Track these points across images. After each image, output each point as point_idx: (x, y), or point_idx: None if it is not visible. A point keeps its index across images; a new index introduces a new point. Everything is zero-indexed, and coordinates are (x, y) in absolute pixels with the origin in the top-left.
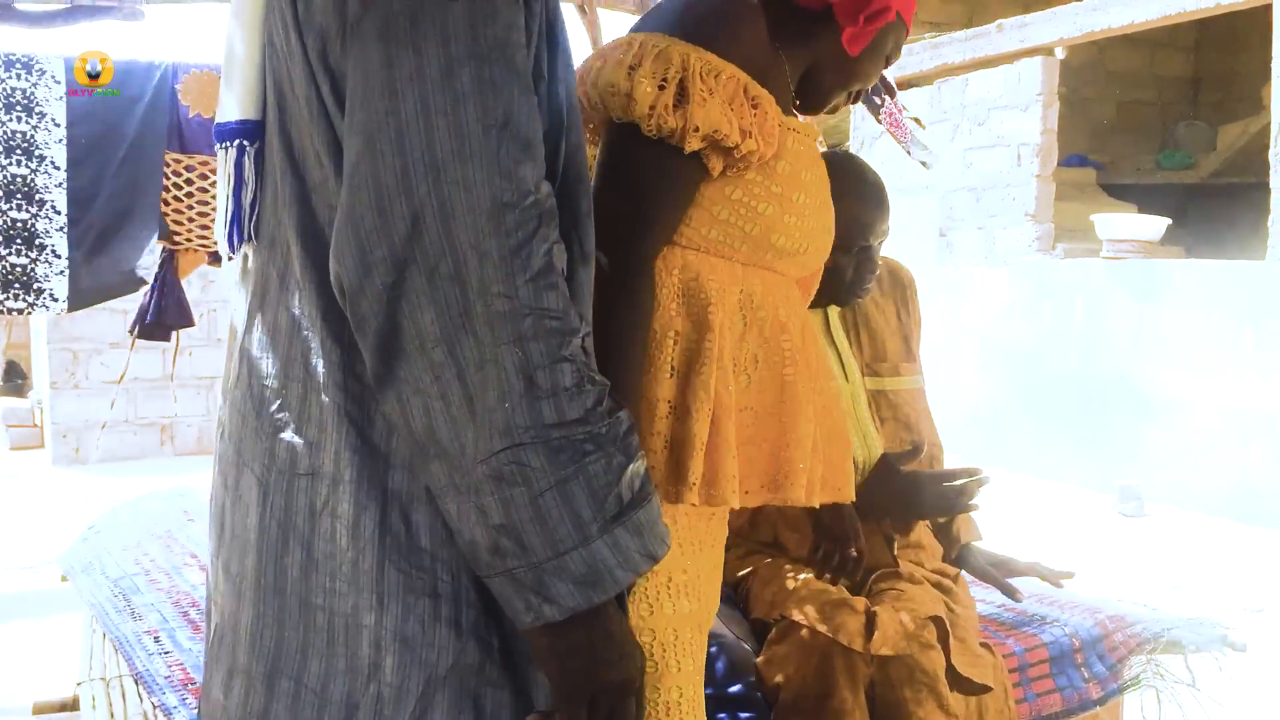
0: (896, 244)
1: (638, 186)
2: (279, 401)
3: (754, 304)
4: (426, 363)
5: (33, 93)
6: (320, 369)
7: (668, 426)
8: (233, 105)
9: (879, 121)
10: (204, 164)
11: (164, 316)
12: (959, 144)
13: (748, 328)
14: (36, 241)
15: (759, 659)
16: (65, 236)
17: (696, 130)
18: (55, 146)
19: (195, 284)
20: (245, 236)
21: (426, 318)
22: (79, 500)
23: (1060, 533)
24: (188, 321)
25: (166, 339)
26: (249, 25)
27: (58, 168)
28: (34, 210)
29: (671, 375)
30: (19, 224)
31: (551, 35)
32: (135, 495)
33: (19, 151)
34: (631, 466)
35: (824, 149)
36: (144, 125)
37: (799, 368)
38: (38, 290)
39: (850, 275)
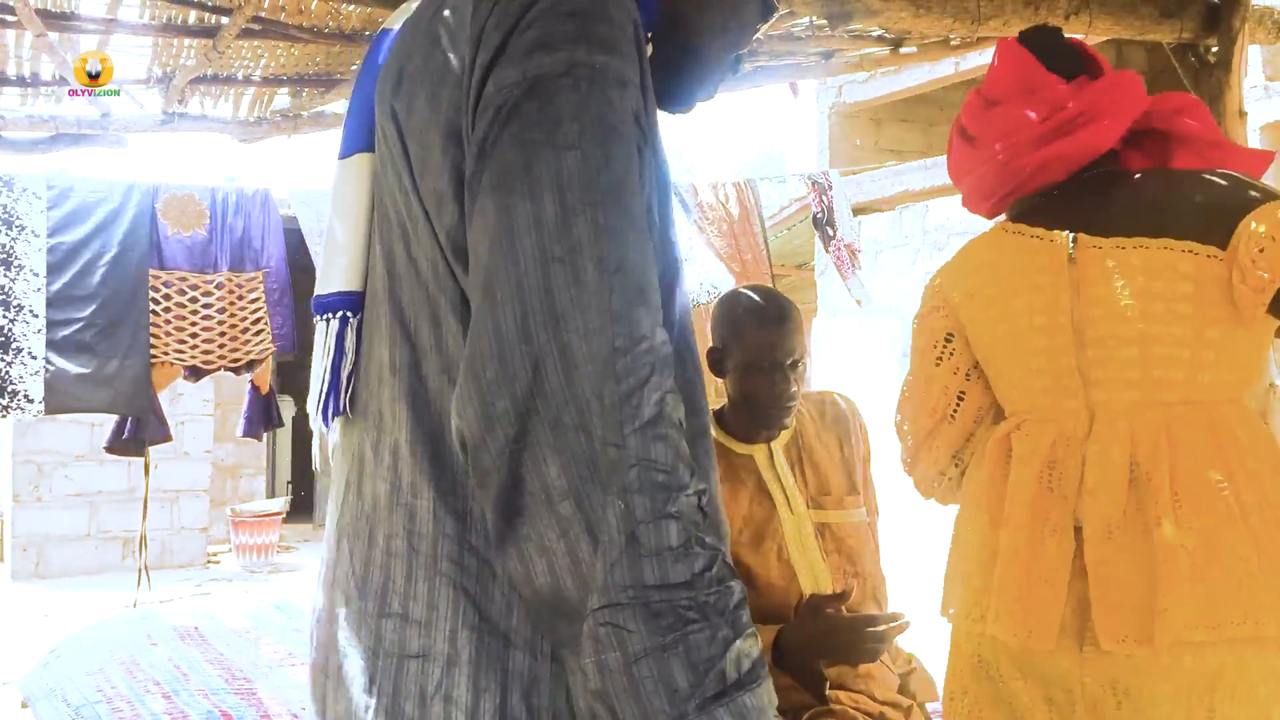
0: (861, 364)
1: None
2: (383, 580)
3: None
4: (553, 517)
5: (13, 208)
6: (428, 543)
7: None
8: (335, 276)
9: (827, 252)
10: (182, 280)
11: (142, 431)
12: (920, 268)
13: None
14: (13, 345)
15: None
16: (42, 339)
17: None
18: (34, 255)
19: (164, 397)
20: (341, 409)
21: (552, 470)
22: (38, 617)
23: None
24: (165, 436)
25: (141, 454)
26: (352, 199)
27: (36, 274)
28: (11, 316)
29: None
30: None
31: (662, 182)
32: (96, 613)
33: None
34: (739, 643)
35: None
36: (127, 240)
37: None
38: (12, 392)
39: (766, 396)
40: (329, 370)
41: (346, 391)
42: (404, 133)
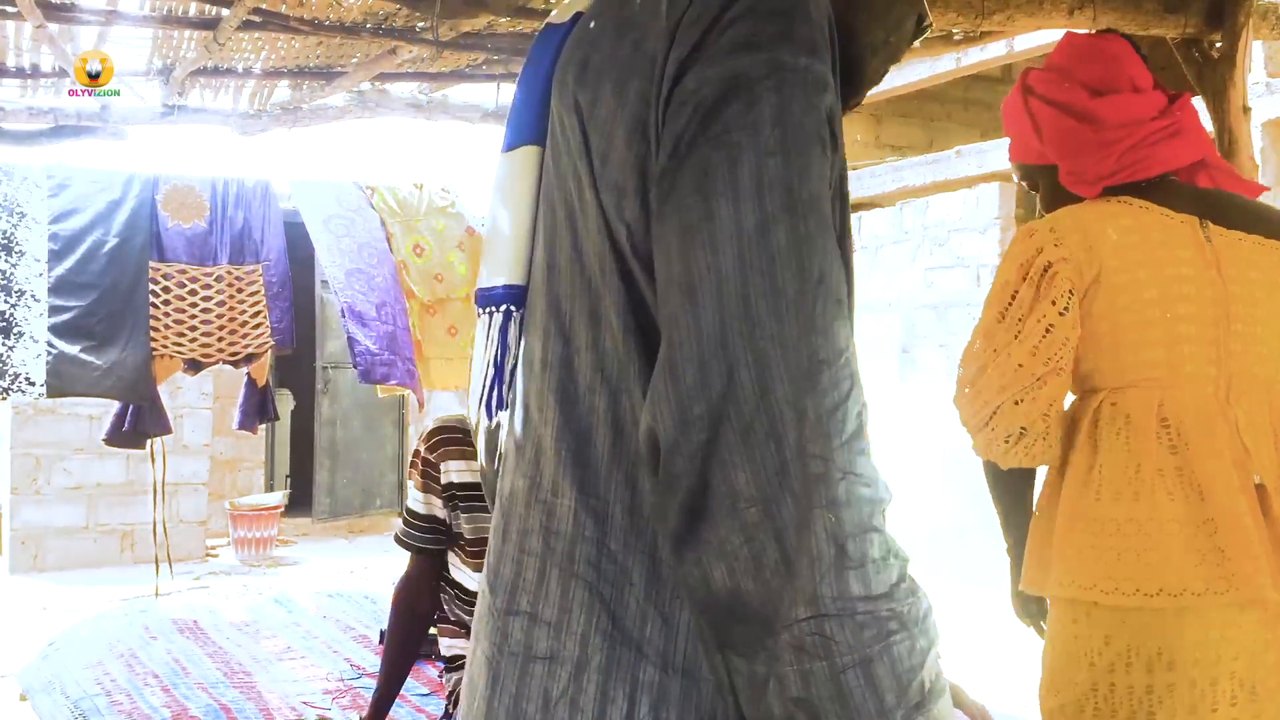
0: (861, 359)
1: None
2: (513, 576)
3: None
4: (737, 524)
5: (14, 195)
6: (565, 543)
7: None
8: (499, 269)
9: None
10: (181, 272)
11: (141, 424)
12: (920, 264)
13: None
14: (14, 329)
15: None
16: (44, 324)
17: None
18: (36, 241)
19: (163, 390)
20: (504, 403)
21: (740, 477)
22: (36, 610)
23: (1026, 648)
24: (165, 429)
25: (142, 447)
26: (518, 192)
27: (38, 260)
28: (13, 300)
29: None
30: None
31: (843, 192)
32: (94, 606)
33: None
34: (933, 652)
35: None
36: (127, 231)
37: None
38: (13, 375)
39: None
40: (492, 364)
41: (509, 386)
42: (586, 124)
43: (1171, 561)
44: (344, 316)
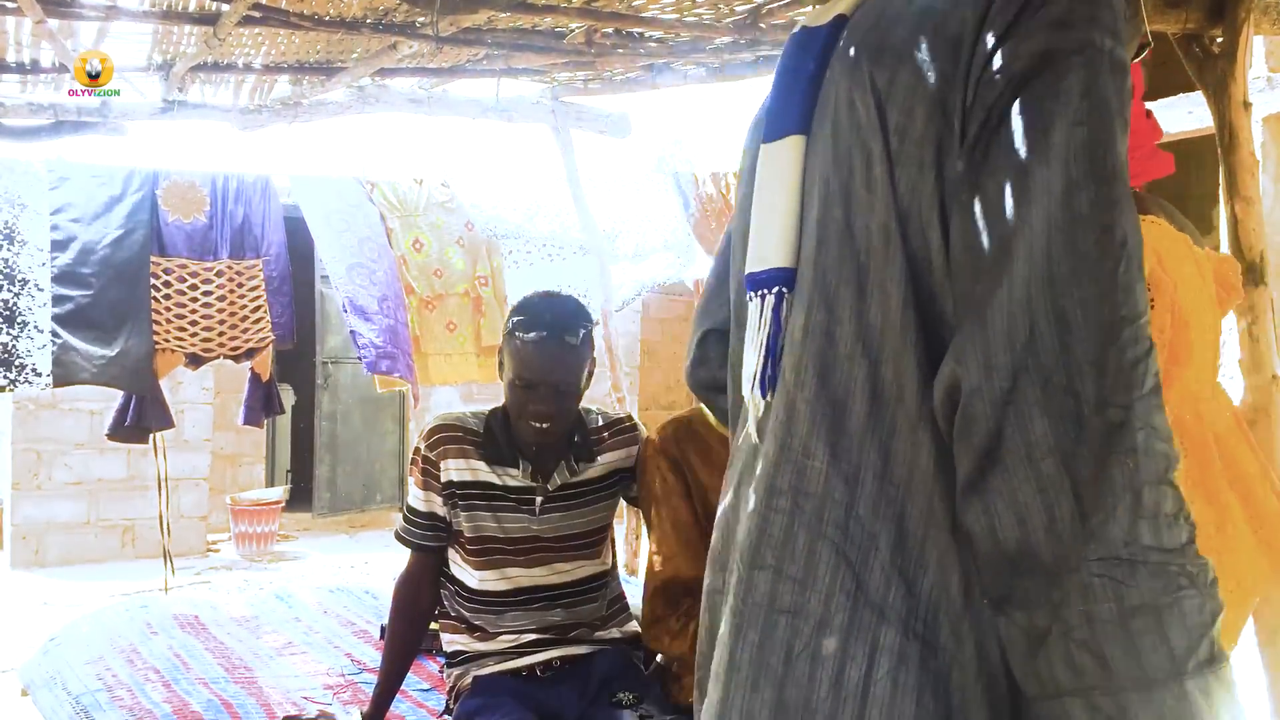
0: None
1: None
2: (761, 531)
3: None
4: (1031, 473)
5: (15, 187)
6: (814, 504)
7: None
8: (768, 253)
9: None
10: (182, 267)
11: (144, 419)
12: None
13: None
14: (19, 319)
15: None
16: (48, 313)
17: None
18: (39, 232)
19: (165, 385)
20: (776, 381)
21: (1038, 428)
22: (37, 605)
23: None
24: (168, 423)
25: (144, 441)
26: (785, 179)
27: (41, 249)
28: (16, 290)
29: None
30: (1, 303)
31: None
32: (95, 601)
33: (1, 238)
34: (1219, 618)
35: None
36: (128, 226)
37: None
38: (19, 366)
39: None
40: (765, 344)
41: (777, 362)
42: (884, 101)
43: (1243, 560)
44: (345, 311)
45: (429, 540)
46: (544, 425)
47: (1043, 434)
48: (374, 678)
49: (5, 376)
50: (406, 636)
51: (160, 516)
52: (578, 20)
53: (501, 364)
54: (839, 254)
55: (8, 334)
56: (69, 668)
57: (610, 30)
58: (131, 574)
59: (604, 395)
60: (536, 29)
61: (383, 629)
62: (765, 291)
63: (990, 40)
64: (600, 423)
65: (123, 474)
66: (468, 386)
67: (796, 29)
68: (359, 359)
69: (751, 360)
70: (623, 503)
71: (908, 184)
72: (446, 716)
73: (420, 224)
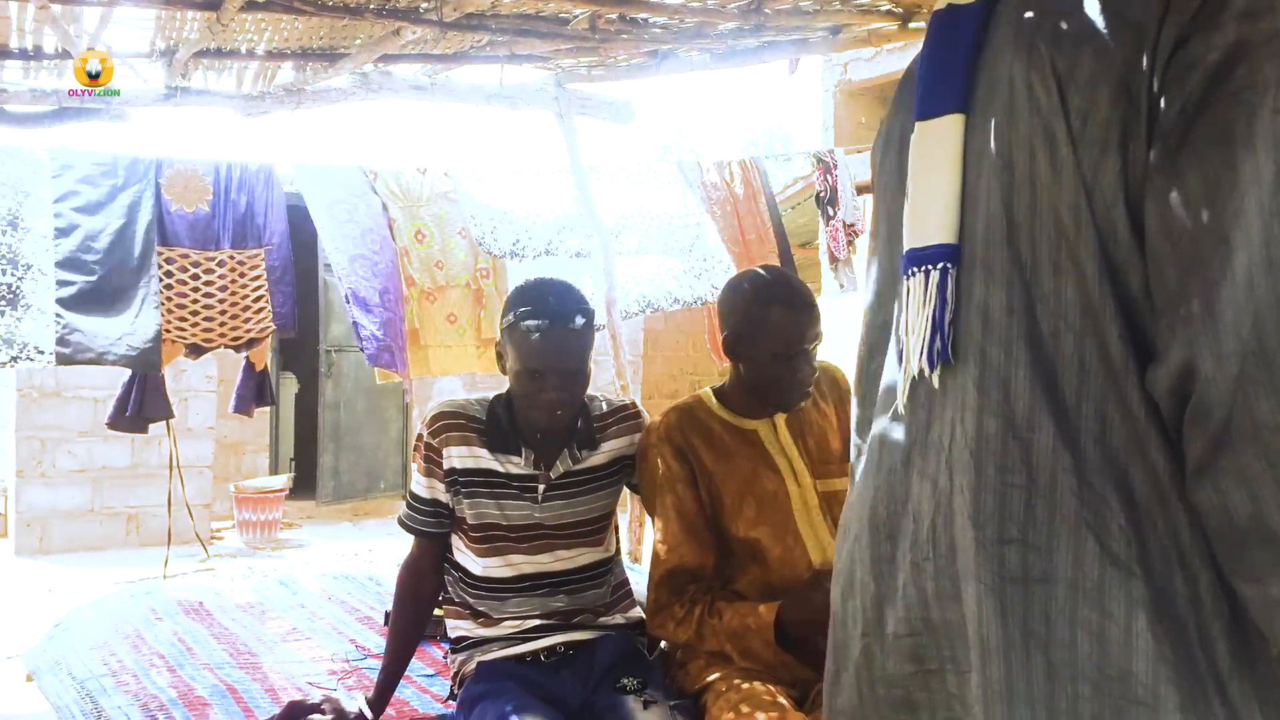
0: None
1: None
2: (1001, 508)
3: None
4: (1260, 450)
5: (19, 174)
6: (1046, 475)
7: None
8: (930, 231)
9: (824, 230)
10: (184, 256)
11: (144, 408)
12: None
13: None
14: (22, 301)
15: None
16: (51, 297)
17: None
18: (42, 218)
19: (167, 372)
20: (947, 354)
21: (1265, 407)
22: (41, 592)
23: None
24: (168, 413)
25: (144, 430)
26: (944, 157)
27: (44, 236)
28: (20, 274)
29: None
30: (4, 287)
31: None
32: (99, 588)
33: (4, 224)
34: None
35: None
36: (131, 215)
37: None
38: (21, 344)
39: (788, 381)
40: (930, 319)
41: (950, 337)
42: (1065, 84)
43: None
44: (348, 302)
45: (432, 527)
46: (559, 412)
47: (1269, 412)
48: (378, 663)
49: (7, 353)
50: (410, 622)
51: (184, 501)
52: (582, 5)
53: (501, 355)
54: (1031, 234)
55: (11, 316)
56: (74, 653)
57: (615, 15)
58: (135, 562)
59: (608, 384)
60: (540, 14)
61: (387, 615)
62: (929, 267)
63: (1176, 28)
64: (604, 409)
65: (126, 462)
66: (470, 375)
67: (941, 6)
68: (361, 349)
69: (917, 334)
70: (626, 490)
71: (1090, 165)
72: (451, 702)
73: (423, 215)
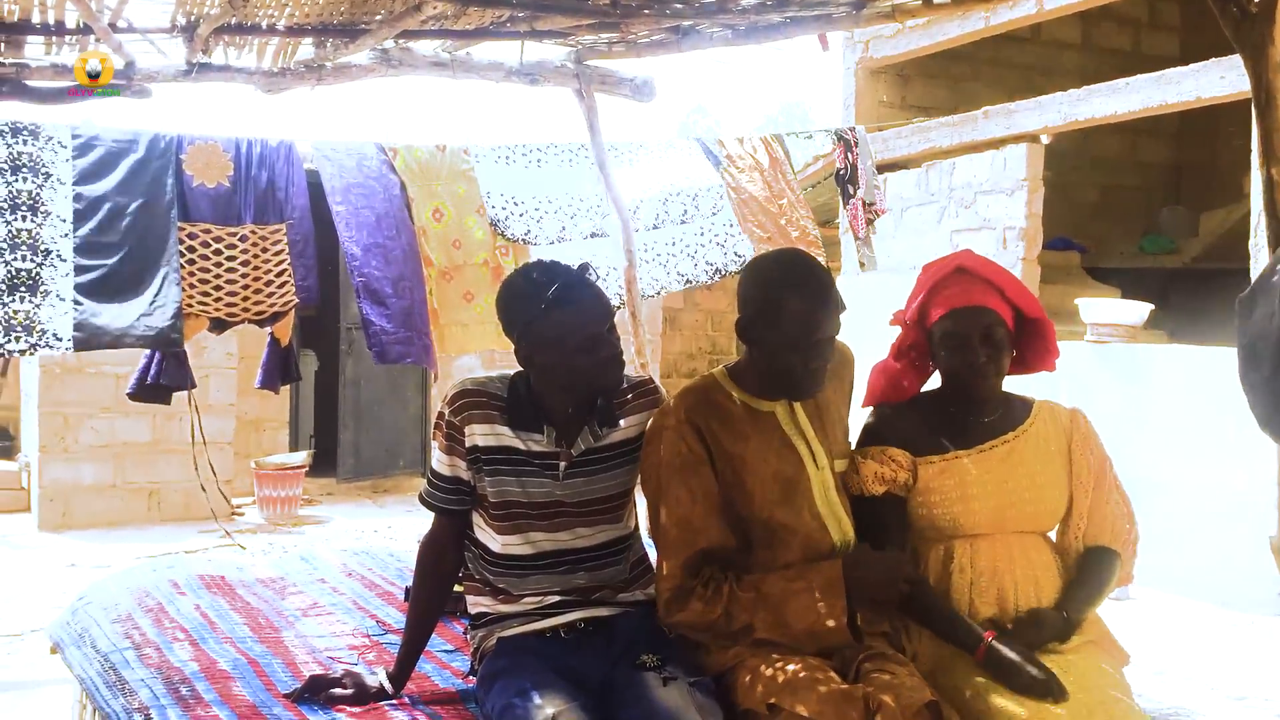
0: (884, 322)
1: None
2: None
3: None
4: None
5: (39, 156)
6: None
7: None
8: None
9: (844, 208)
10: (206, 232)
11: (166, 377)
12: (946, 226)
13: None
14: (41, 288)
15: None
16: (70, 283)
17: None
18: (61, 202)
19: (188, 348)
20: None
21: None
22: (64, 566)
23: None
24: (189, 383)
25: (166, 401)
26: None
27: (63, 220)
28: (39, 260)
29: None
30: (23, 273)
31: None
32: (121, 562)
33: (25, 208)
34: None
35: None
36: (152, 191)
37: None
38: (40, 331)
39: (800, 371)
40: None
41: None
42: None
43: None
44: (359, 296)
45: (453, 504)
46: (618, 366)
47: None
48: (398, 639)
49: (27, 341)
50: (431, 598)
51: (210, 470)
52: None
53: (529, 357)
54: None
55: (30, 302)
56: (97, 626)
57: None
58: (157, 538)
59: (627, 362)
60: None
61: (407, 591)
62: None
63: None
64: (623, 385)
65: (148, 438)
66: (490, 352)
67: None
68: (369, 348)
69: None
70: None
71: None
72: (471, 677)
73: (441, 193)
